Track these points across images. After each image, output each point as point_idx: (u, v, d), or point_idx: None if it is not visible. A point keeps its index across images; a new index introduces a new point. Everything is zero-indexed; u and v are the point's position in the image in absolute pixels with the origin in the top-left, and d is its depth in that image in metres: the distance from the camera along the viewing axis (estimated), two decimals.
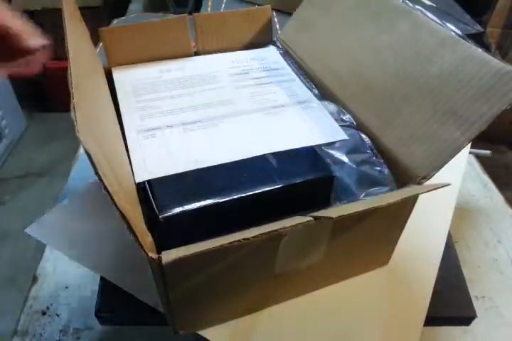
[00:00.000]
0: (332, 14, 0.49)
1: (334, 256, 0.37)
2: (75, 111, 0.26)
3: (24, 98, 1.75)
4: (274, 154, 0.38)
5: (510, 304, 0.50)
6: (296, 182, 0.36)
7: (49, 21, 1.63)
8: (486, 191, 0.64)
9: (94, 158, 0.24)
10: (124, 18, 1.03)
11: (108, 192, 0.24)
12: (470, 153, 0.68)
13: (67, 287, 0.50)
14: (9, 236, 1.36)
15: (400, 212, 0.38)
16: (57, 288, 0.50)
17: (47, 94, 1.78)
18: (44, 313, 0.48)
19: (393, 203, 0.30)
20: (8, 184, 1.56)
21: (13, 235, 1.36)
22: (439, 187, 0.32)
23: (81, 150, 0.73)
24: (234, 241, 0.26)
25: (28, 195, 1.52)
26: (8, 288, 1.14)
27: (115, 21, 1.00)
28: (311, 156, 0.39)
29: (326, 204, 0.38)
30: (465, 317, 0.42)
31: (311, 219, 0.29)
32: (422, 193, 0.33)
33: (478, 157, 0.69)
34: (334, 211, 0.30)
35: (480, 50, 0.35)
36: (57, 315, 0.48)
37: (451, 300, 0.42)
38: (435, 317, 0.41)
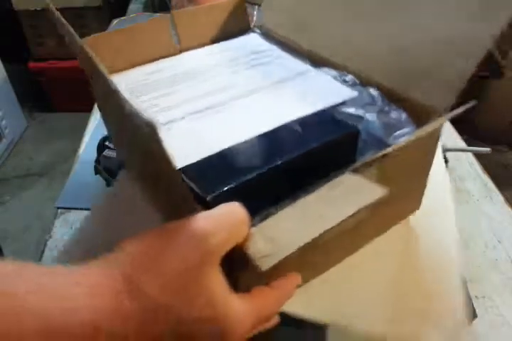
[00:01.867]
0: None
1: (377, 207, 0.37)
2: None
3: (24, 98, 1.76)
4: (295, 122, 0.38)
5: (510, 304, 0.50)
6: (327, 141, 0.37)
7: (49, 21, 1.63)
8: (486, 191, 0.64)
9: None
10: (124, 18, 1.03)
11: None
12: (469, 151, 0.68)
13: None
14: (9, 236, 1.36)
15: (430, 145, 0.39)
16: None
17: (47, 94, 1.78)
18: None
19: (432, 131, 0.31)
20: (8, 184, 1.56)
21: (13, 235, 1.36)
22: (462, 111, 0.33)
23: (81, 151, 0.73)
24: (325, 231, 0.26)
25: (28, 195, 1.52)
26: None
27: (115, 21, 1.00)
28: (330, 117, 0.39)
29: (353, 160, 0.38)
30: (465, 317, 0.42)
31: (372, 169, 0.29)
32: (448, 119, 0.34)
33: (478, 156, 0.69)
34: (377, 154, 0.30)
35: None
36: None
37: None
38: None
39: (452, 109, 0.35)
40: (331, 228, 0.30)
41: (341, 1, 0.46)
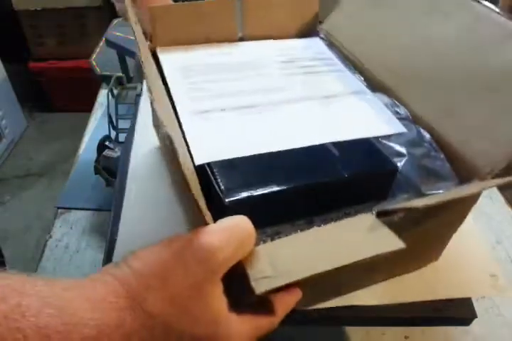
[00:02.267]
0: (380, 4, 0.48)
1: (394, 253, 0.37)
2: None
3: (24, 98, 1.76)
4: (334, 144, 0.37)
5: (510, 304, 0.50)
6: (361, 174, 0.35)
7: (49, 21, 1.63)
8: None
9: (175, 143, 0.25)
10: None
11: (184, 175, 0.25)
12: None
13: None
14: (9, 236, 1.36)
15: (464, 207, 0.37)
16: None
17: (47, 94, 1.78)
18: None
19: (466, 196, 0.29)
20: (8, 184, 1.56)
21: (13, 235, 1.36)
22: (506, 182, 0.31)
23: (81, 151, 0.73)
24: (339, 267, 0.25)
25: (28, 195, 1.52)
26: None
27: (115, 21, 1.00)
28: (372, 148, 0.38)
29: (384, 197, 0.37)
30: (465, 317, 0.42)
31: (398, 216, 0.28)
32: (490, 187, 0.32)
33: None
34: (407, 204, 0.29)
35: None
36: None
37: (451, 301, 0.42)
38: (435, 317, 0.41)
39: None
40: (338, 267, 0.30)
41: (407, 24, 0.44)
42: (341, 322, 0.45)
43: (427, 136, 0.38)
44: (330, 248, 0.27)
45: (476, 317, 0.41)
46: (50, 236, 0.58)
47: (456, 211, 0.37)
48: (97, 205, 0.63)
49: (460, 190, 0.33)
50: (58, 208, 0.63)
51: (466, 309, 0.41)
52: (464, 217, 0.39)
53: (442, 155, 0.37)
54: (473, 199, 0.37)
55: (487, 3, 0.39)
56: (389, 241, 0.28)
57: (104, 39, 0.90)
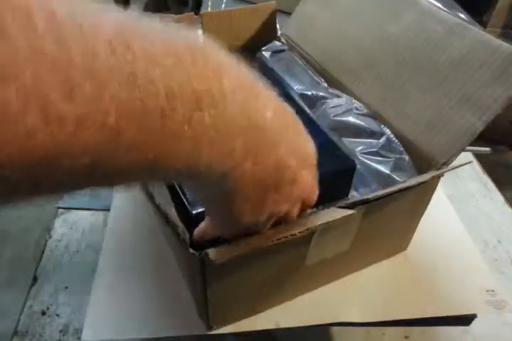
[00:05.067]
0: (335, 7, 0.49)
1: (360, 244, 0.38)
2: None
3: None
4: None
5: (510, 304, 0.50)
6: (320, 173, 0.36)
7: None
8: (486, 191, 0.64)
9: None
10: None
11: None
12: (470, 151, 0.68)
13: (67, 287, 0.50)
14: (9, 236, 1.36)
15: (423, 195, 0.39)
16: (57, 288, 0.50)
17: None
18: (44, 313, 0.48)
19: (422, 183, 0.31)
20: None
21: (13, 235, 1.36)
22: (461, 166, 0.33)
23: None
24: (282, 237, 0.27)
25: None
26: (8, 288, 1.14)
27: None
28: (331, 147, 0.38)
29: (346, 193, 0.38)
30: (465, 317, 0.42)
31: (353, 212, 0.30)
32: (446, 172, 0.34)
33: (477, 156, 0.69)
34: (361, 197, 0.31)
35: (489, 35, 0.35)
36: (57, 315, 0.48)
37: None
38: (435, 317, 0.41)
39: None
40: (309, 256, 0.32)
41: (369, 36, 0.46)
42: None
43: (387, 130, 0.40)
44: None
45: (476, 317, 0.41)
46: (50, 236, 0.58)
47: (412, 199, 0.39)
48: (97, 205, 0.63)
49: (409, 182, 0.35)
50: (58, 208, 0.63)
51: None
52: (425, 204, 0.41)
53: (401, 148, 0.39)
54: (428, 187, 0.39)
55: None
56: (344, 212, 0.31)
57: None
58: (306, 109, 0.43)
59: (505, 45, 0.34)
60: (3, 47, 0.12)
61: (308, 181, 0.26)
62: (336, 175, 0.37)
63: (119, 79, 0.15)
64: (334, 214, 0.30)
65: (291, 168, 0.24)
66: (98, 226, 0.59)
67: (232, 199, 0.24)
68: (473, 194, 0.63)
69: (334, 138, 0.39)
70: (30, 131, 0.13)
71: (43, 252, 0.55)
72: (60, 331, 0.46)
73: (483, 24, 1.26)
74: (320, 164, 0.36)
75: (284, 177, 0.24)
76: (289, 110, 0.25)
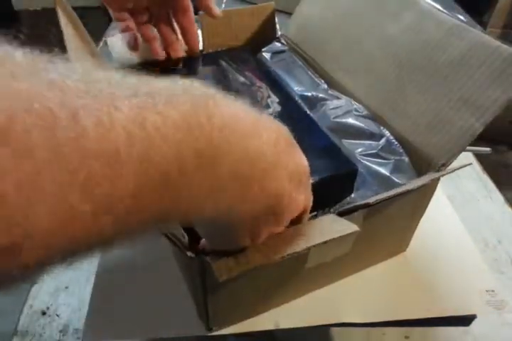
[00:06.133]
0: (334, 7, 0.49)
1: (360, 246, 0.38)
2: None
3: None
4: None
5: (510, 304, 0.50)
6: (323, 178, 0.36)
7: (49, 21, 1.63)
8: (486, 191, 0.64)
9: None
10: None
11: None
12: (469, 151, 0.68)
13: (67, 287, 0.50)
14: None
15: (423, 197, 0.39)
16: (57, 288, 0.50)
17: None
18: (44, 313, 0.48)
19: (422, 185, 0.32)
20: None
21: None
22: (461, 168, 0.33)
23: None
24: (285, 255, 0.27)
25: None
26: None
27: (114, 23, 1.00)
28: (332, 150, 0.39)
29: (347, 196, 0.38)
30: (465, 317, 0.42)
31: (357, 229, 0.30)
32: (444, 175, 0.34)
33: (477, 156, 0.69)
34: (361, 202, 0.32)
35: (488, 36, 0.35)
36: (57, 315, 0.48)
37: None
38: (435, 318, 0.41)
39: None
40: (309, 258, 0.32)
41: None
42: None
43: (386, 132, 0.40)
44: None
45: (476, 317, 0.41)
46: None
47: (412, 201, 0.39)
48: None
49: (409, 185, 0.35)
50: None
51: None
52: (424, 205, 0.41)
53: (401, 150, 0.39)
54: (428, 189, 0.39)
55: (428, 0, 0.40)
56: (347, 227, 0.30)
57: (103, 39, 0.90)
58: (307, 110, 0.43)
59: (504, 46, 0.34)
60: None
61: (302, 199, 0.26)
62: (338, 178, 0.37)
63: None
64: (338, 227, 0.30)
65: (285, 195, 0.24)
66: None
67: (228, 233, 0.25)
68: (473, 194, 0.63)
69: (336, 140, 0.39)
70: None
71: None
72: (60, 331, 0.46)
73: (483, 24, 1.27)
74: (322, 168, 0.37)
75: (281, 203, 0.24)
76: (282, 133, 0.24)
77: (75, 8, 0.43)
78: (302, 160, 0.26)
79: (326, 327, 0.48)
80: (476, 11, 0.77)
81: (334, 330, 0.49)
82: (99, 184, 0.14)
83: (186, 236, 0.30)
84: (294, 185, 0.25)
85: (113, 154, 0.15)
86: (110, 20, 1.03)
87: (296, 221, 0.28)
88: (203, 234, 0.28)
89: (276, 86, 0.46)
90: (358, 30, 0.46)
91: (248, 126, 0.21)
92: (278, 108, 0.43)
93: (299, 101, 0.45)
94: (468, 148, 0.70)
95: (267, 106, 0.43)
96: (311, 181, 0.29)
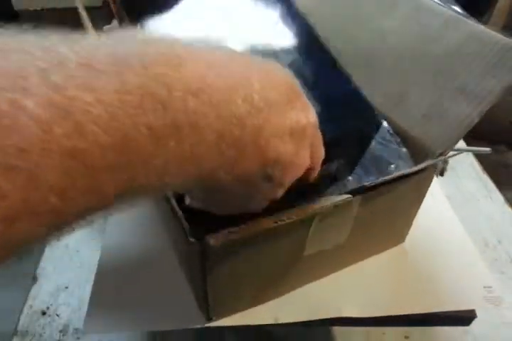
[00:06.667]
0: (331, 2, 0.50)
1: (357, 235, 0.38)
2: None
3: None
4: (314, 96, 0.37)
5: (510, 304, 0.50)
6: (339, 130, 0.34)
7: (49, 21, 1.63)
8: (486, 191, 0.64)
9: None
10: None
11: None
12: (469, 151, 0.68)
13: (67, 287, 0.50)
14: None
15: (421, 185, 0.39)
16: (57, 288, 0.50)
17: None
18: (44, 313, 0.48)
19: (418, 170, 0.32)
20: None
21: None
22: (457, 154, 0.34)
23: None
24: (284, 219, 0.28)
25: None
26: (8, 288, 1.14)
27: (115, 22, 1.00)
28: (354, 98, 0.37)
29: (361, 156, 0.38)
30: (465, 317, 0.42)
31: (349, 196, 0.30)
32: (441, 160, 0.35)
33: (477, 156, 0.69)
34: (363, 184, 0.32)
35: (483, 26, 0.35)
36: (57, 315, 0.48)
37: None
38: (435, 317, 0.41)
39: None
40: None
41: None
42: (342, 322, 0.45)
43: (384, 123, 0.40)
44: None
45: (476, 317, 0.41)
46: None
47: (409, 189, 0.39)
48: None
49: (406, 170, 0.35)
50: None
51: (467, 309, 0.42)
52: (422, 194, 0.41)
53: (399, 139, 0.40)
54: (425, 177, 0.39)
55: None
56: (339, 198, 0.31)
57: None
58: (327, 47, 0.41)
59: (499, 35, 0.34)
60: None
61: (306, 155, 0.24)
62: (358, 133, 0.35)
63: None
64: (334, 198, 0.31)
65: (286, 153, 0.22)
66: (98, 226, 0.59)
67: (222, 196, 0.24)
68: (473, 194, 0.63)
69: (357, 87, 0.36)
70: None
71: (43, 252, 0.55)
72: (60, 331, 0.46)
73: (483, 24, 1.26)
74: (341, 117, 0.34)
75: (280, 161, 0.22)
76: (280, 80, 0.22)
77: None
78: (306, 112, 0.23)
79: (326, 327, 0.49)
80: (476, 10, 0.77)
81: (334, 330, 0.49)
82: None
83: (187, 223, 0.30)
84: (296, 140, 0.22)
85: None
86: (110, 20, 1.03)
87: (304, 178, 0.26)
88: (202, 202, 0.27)
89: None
90: (355, 24, 0.46)
91: (231, 80, 0.19)
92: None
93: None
94: (468, 148, 0.70)
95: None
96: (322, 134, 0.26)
